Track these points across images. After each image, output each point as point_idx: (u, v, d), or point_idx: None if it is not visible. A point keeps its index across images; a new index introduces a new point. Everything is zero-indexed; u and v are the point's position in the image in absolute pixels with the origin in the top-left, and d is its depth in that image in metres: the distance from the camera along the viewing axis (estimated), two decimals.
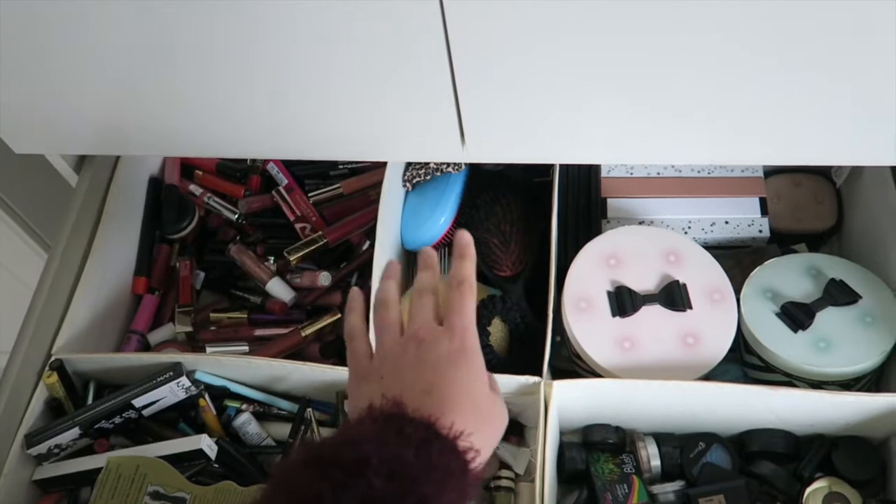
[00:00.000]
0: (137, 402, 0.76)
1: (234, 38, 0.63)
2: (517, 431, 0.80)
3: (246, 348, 0.88)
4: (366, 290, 0.90)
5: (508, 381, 0.74)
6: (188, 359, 0.78)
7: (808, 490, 0.72)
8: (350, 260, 0.93)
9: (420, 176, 0.90)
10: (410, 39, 0.61)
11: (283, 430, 0.80)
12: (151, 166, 0.97)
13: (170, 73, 0.67)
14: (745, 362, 0.79)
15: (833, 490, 0.72)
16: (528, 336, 0.79)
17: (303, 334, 0.87)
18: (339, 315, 0.88)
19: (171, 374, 0.76)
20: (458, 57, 0.62)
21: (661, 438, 0.77)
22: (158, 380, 0.76)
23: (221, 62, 0.65)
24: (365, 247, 0.93)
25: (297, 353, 0.88)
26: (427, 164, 0.90)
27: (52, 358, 0.78)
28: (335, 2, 0.59)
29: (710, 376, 0.74)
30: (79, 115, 0.73)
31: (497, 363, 0.76)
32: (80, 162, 0.89)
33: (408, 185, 0.91)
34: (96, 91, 0.70)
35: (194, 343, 0.90)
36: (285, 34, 0.62)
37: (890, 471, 0.73)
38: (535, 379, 0.73)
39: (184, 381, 0.76)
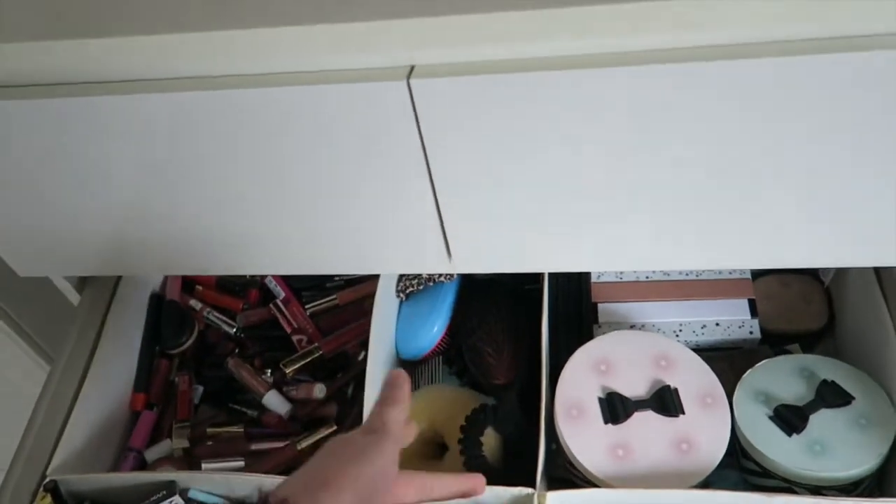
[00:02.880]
0: None
1: (233, 169, 0.67)
2: None
3: (241, 464, 0.88)
4: (360, 401, 0.91)
5: (502, 493, 0.73)
6: (183, 477, 0.78)
7: None
8: (346, 370, 0.94)
9: (413, 286, 0.92)
10: (395, 169, 0.65)
11: None
12: (153, 282, 1.00)
13: (170, 200, 0.71)
14: (742, 467, 0.78)
15: None
16: (522, 445, 0.79)
17: (298, 448, 0.87)
18: (336, 427, 0.88)
19: (165, 493, 0.76)
20: (440, 182, 0.65)
21: None
22: (152, 499, 0.75)
23: (220, 189, 0.69)
24: (361, 357, 0.94)
25: (293, 466, 0.87)
26: (419, 274, 0.92)
27: (47, 479, 0.78)
28: (327, 142, 0.62)
29: (708, 482, 0.73)
30: (80, 238, 0.76)
31: (492, 474, 0.75)
32: (83, 281, 0.92)
33: (401, 295, 0.93)
34: (98, 216, 0.74)
35: (191, 459, 0.90)
36: (280, 169, 0.66)
37: None
38: (529, 490, 0.72)
39: (177, 500, 0.76)
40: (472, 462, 0.75)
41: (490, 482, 0.74)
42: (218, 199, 0.70)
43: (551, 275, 0.90)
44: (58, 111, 0.63)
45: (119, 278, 0.93)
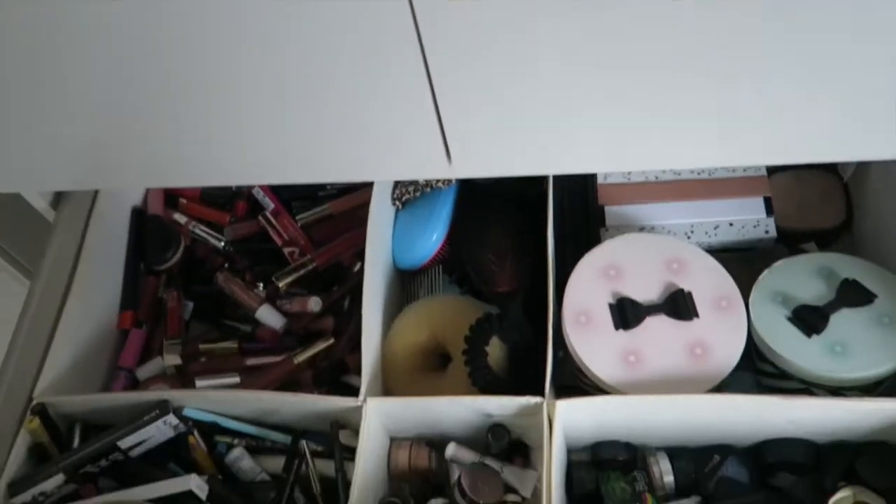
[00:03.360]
0: (123, 444, 0.73)
1: (214, 66, 0.60)
2: (522, 453, 0.76)
3: (237, 379, 0.85)
4: (357, 314, 0.87)
5: (509, 403, 0.70)
6: (175, 395, 0.75)
7: (832, 501, 0.68)
8: (341, 283, 0.90)
9: (409, 193, 0.87)
10: (386, 56, 0.59)
11: (277, 463, 0.77)
12: (133, 197, 0.95)
13: (148, 104, 0.65)
14: (758, 370, 0.75)
15: (858, 500, 0.68)
16: (527, 354, 0.76)
17: (295, 362, 0.84)
18: (332, 340, 0.85)
19: (158, 412, 0.73)
20: (436, 73, 0.59)
21: (674, 453, 0.73)
22: (144, 419, 0.72)
23: (200, 90, 0.63)
24: (356, 268, 0.90)
25: (290, 381, 0.84)
26: (416, 181, 0.87)
27: (34, 402, 0.75)
28: (313, 27, 0.56)
29: (722, 386, 0.71)
30: (52, 149, 0.71)
31: (496, 384, 0.73)
32: (58, 198, 0.87)
33: (398, 203, 0.88)
34: (70, 124, 0.68)
35: (184, 377, 0.87)
36: (266, 61, 0.60)
37: None
38: (537, 399, 0.69)
39: (171, 418, 0.73)
40: (477, 373, 0.72)
41: (496, 392, 0.71)
42: (199, 102, 0.64)
43: (556, 178, 0.85)
44: (20, 12, 0.56)
45: (96, 193, 0.87)
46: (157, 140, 0.69)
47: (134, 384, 0.86)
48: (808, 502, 0.69)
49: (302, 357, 0.84)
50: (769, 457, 0.71)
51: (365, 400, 0.72)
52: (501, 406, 0.71)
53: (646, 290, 0.74)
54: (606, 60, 0.57)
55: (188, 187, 0.96)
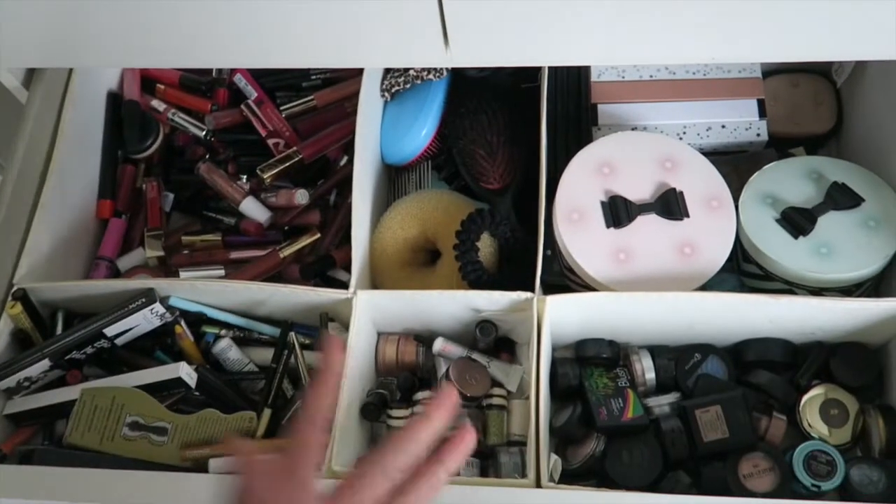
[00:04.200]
0: (109, 331, 0.72)
1: None
2: (508, 348, 0.77)
3: (222, 272, 0.84)
4: (345, 208, 0.86)
5: (500, 298, 0.70)
6: (161, 284, 0.74)
7: (805, 398, 0.71)
8: (327, 176, 0.88)
9: (399, 84, 0.84)
10: None
11: (265, 354, 0.77)
12: (109, 80, 0.90)
13: None
14: (742, 271, 0.76)
15: (830, 397, 0.71)
16: (518, 251, 0.76)
17: (281, 256, 0.83)
18: (319, 235, 0.84)
19: (144, 300, 0.72)
20: None
21: (656, 351, 0.75)
22: (130, 307, 0.72)
23: None
24: (343, 162, 0.88)
25: (275, 275, 0.84)
26: (406, 70, 0.84)
27: (15, 287, 0.73)
28: None
29: (706, 286, 0.72)
30: (21, 20, 0.67)
31: (487, 280, 0.73)
32: (30, 76, 0.83)
33: (386, 94, 0.85)
34: None
35: (167, 268, 0.86)
36: None
37: (887, 376, 0.72)
38: (528, 295, 0.70)
39: (157, 307, 0.72)
40: (468, 268, 0.72)
41: (486, 287, 0.71)
42: None
43: (550, 75, 0.83)
44: None
45: (70, 73, 0.83)
46: (130, 13, 0.65)
47: (115, 274, 0.85)
48: (782, 398, 0.72)
49: (288, 251, 0.83)
50: (748, 355, 0.73)
51: (355, 292, 0.71)
52: (491, 301, 0.71)
53: (638, 189, 0.74)
54: None
55: (165, 70, 0.92)
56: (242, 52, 0.69)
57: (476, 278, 0.73)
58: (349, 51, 0.68)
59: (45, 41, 0.69)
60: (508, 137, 0.81)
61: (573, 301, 0.69)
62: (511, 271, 0.75)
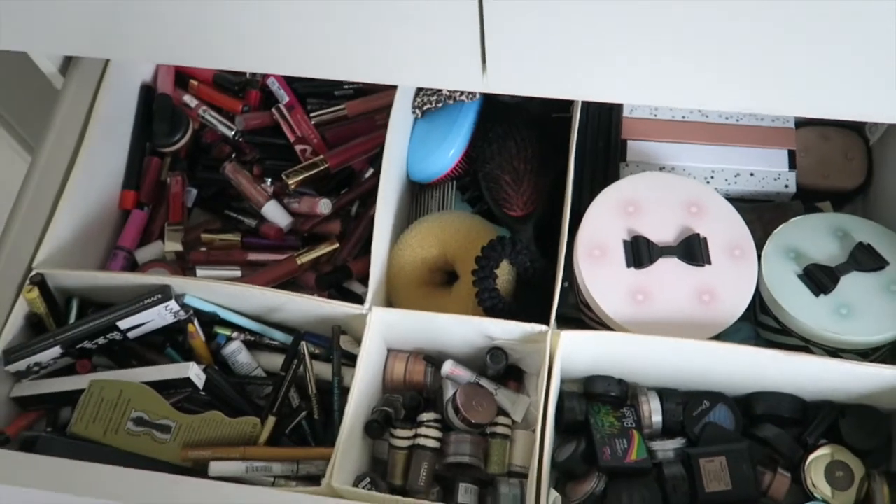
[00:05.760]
0: (123, 324, 0.72)
1: None
2: (516, 377, 0.77)
3: (238, 273, 0.84)
4: (366, 220, 0.86)
5: (514, 328, 0.70)
6: (177, 282, 0.74)
7: (811, 457, 0.70)
8: (351, 187, 0.88)
9: (431, 103, 0.85)
10: None
11: (273, 360, 0.77)
12: (143, 73, 0.91)
13: None
14: (758, 322, 0.76)
15: (836, 458, 0.70)
16: (535, 281, 0.76)
17: (298, 262, 0.83)
18: (338, 245, 0.84)
19: (160, 296, 0.72)
20: None
21: (665, 394, 0.75)
22: (146, 302, 0.72)
23: None
24: (368, 174, 0.88)
25: (290, 281, 0.84)
26: (439, 90, 0.84)
27: (34, 272, 0.73)
28: None
29: (720, 334, 0.71)
30: (67, 8, 0.67)
31: (503, 308, 0.73)
32: (67, 64, 0.83)
33: (417, 111, 0.86)
34: None
35: (183, 263, 0.86)
36: None
37: None
38: (543, 328, 0.70)
39: (172, 304, 0.72)
40: (485, 294, 0.72)
41: (501, 316, 0.71)
42: None
43: (583, 106, 0.83)
44: None
45: (107, 64, 0.84)
46: (176, 11, 0.65)
47: (132, 265, 0.85)
48: (788, 455, 0.71)
49: (306, 258, 0.83)
50: (757, 407, 0.73)
51: (370, 309, 0.71)
52: (505, 330, 0.71)
53: (662, 231, 0.73)
54: None
55: (201, 68, 0.92)
56: (281, 60, 0.69)
57: (492, 306, 0.72)
58: (386, 68, 0.68)
59: (88, 30, 0.70)
60: (535, 166, 0.81)
61: (588, 338, 0.69)
62: (526, 300, 0.75)
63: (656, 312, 0.70)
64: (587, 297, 0.72)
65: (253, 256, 0.86)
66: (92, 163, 0.80)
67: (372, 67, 0.68)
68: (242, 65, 0.77)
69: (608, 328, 0.72)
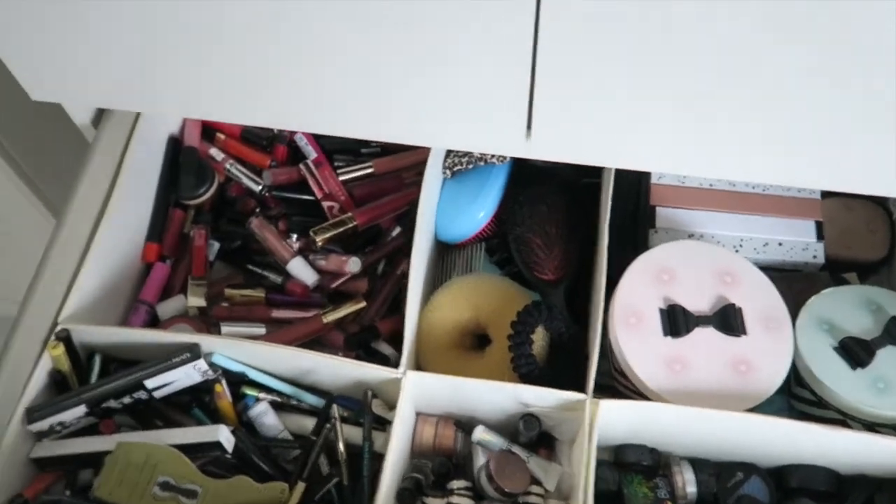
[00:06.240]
0: (149, 383, 0.71)
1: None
2: (547, 444, 0.76)
3: (263, 330, 0.83)
4: (393, 279, 0.85)
5: (550, 395, 0.70)
6: (205, 340, 0.72)
7: None
8: (377, 245, 0.88)
9: (462, 164, 0.85)
10: (494, 16, 0.56)
11: (299, 422, 0.75)
12: (171, 125, 0.91)
13: (201, 23, 0.61)
14: (793, 394, 0.75)
15: None
16: (569, 346, 0.75)
17: (325, 321, 0.82)
18: (364, 303, 0.83)
19: (188, 355, 0.70)
20: (545, 47, 0.57)
21: (698, 464, 0.74)
22: (174, 360, 0.70)
23: (261, 21, 0.60)
24: (395, 233, 0.88)
25: (315, 340, 0.83)
26: (471, 151, 0.84)
27: (59, 327, 0.72)
28: None
29: (755, 406, 0.71)
30: (101, 61, 0.67)
31: (539, 375, 0.72)
32: (100, 116, 0.83)
33: (447, 172, 0.86)
34: (122, 34, 0.64)
35: (206, 319, 0.85)
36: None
37: None
38: (580, 396, 0.69)
39: (201, 364, 0.71)
40: (521, 360, 0.71)
41: (537, 382, 0.70)
42: (258, 33, 0.61)
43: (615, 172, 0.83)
44: None
45: (137, 116, 0.83)
46: (208, 67, 0.66)
47: (153, 319, 0.84)
48: None
49: (332, 317, 0.82)
50: (792, 481, 0.72)
51: (405, 373, 0.70)
52: (541, 398, 0.70)
53: (697, 300, 0.73)
54: (698, 71, 0.57)
55: (232, 123, 0.92)
56: (315, 118, 0.70)
57: (528, 372, 0.72)
58: (430, 131, 0.68)
59: (121, 83, 0.70)
60: (566, 230, 0.82)
61: (626, 407, 0.68)
62: (560, 366, 0.74)
63: (693, 382, 0.70)
64: (623, 364, 0.71)
65: (277, 313, 0.85)
66: (119, 215, 0.79)
67: (414, 130, 0.69)
68: (275, 122, 0.77)
69: (642, 396, 0.71)
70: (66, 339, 0.71)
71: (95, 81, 0.70)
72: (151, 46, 0.66)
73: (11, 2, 0.62)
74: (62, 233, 0.76)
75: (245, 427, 0.74)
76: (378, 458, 0.72)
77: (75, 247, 0.76)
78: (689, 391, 0.70)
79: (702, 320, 0.72)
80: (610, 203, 0.77)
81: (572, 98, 0.62)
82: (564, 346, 0.75)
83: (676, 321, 0.72)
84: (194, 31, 0.62)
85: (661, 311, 0.73)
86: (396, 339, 0.82)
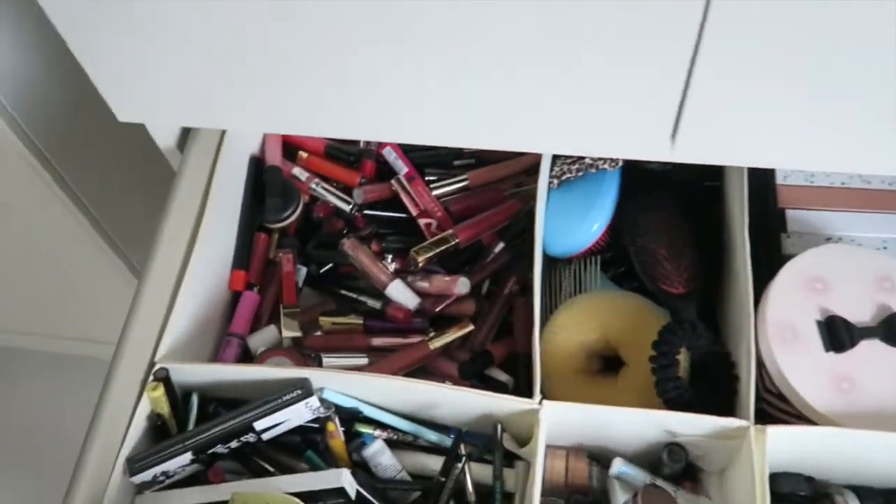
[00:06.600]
0: (259, 425, 0.64)
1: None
2: (691, 476, 0.69)
3: (365, 360, 0.77)
4: (501, 299, 0.79)
5: (703, 423, 0.63)
6: (313, 374, 0.66)
7: None
8: (480, 264, 0.81)
9: (571, 172, 0.78)
10: (656, 22, 0.50)
11: (415, 460, 0.69)
12: (251, 144, 0.85)
13: (294, 30, 0.56)
14: None
15: None
16: (713, 368, 0.68)
17: (431, 347, 0.76)
18: (472, 326, 0.77)
19: (300, 392, 0.64)
20: (707, 51, 0.51)
21: (862, 493, 0.66)
22: (285, 398, 0.64)
23: (355, 17, 0.54)
24: (498, 249, 0.81)
25: (423, 367, 0.76)
26: (581, 158, 0.78)
27: (157, 366, 0.66)
28: None
29: None
30: (186, 76, 0.63)
31: (689, 400, 0.65)
32: (184, 139, 0.77)
33: (555, 181, 0.79)
34: (207, 47, 0.59)
35: (302, 350, 0.78)
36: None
37: None
38: (741, 423, 0.62)
39: (313, 401, 0.65)
40: (668, 385, 0.64)
41: (688, 409, 0.63)
42: (365, 26, 0.56)
43: (737, 172, 0.76)
44: None
45: (222, 137, 0.78)
46: (306, 74, 0.60)
47: (245, 352, 0.78)
48: None
49: (439, 342, 0.76)
50: None
51: (541, 403, 0.63)
52: (693, 425, 0.63)
53: (856, 309, 0.66)
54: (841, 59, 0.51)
55: (310, 138, 0.87)
56: (420, 128, 0.64)
57: (677, 397, 0.65)
58: (563, 137, 0.62)
59: (207, 99, 0.65)
60: (693, 238, 0.75)
61: (797, 434, 0.61)
62: (704, 390, 0.67)
63: (865, 402, 0.63)
64: (782, 385, 0.64)
65: (377, 341, 0.78)
66: (208, 243, 0.74)
67: (544, 136, 0.63)
68: (377, 133, 0.71)
69: (802, 420, 0.64)
70: (165, 378, 0.65)
71: (181, 98, 0.65)
72: (238, 58, 0.60)
73: (102, 24, 0.58)
74: (154, 265, 0.70)
75: (358, 468, 0.68)
76: (507, 498, 0.65)
77: (168, 279, 0.70)
78: (860, 412, 0.62)
79: (866, 332, 0.65)
80: (747, 206, 0.70)
81: (726, 100, 0.56)
82: (708, 367, 0.68)
83: (838, 334, 0.64)
84: (284, 41, 0.57)
85: (819, 323, 0.65)
86: (507, 365, 0.76)
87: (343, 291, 0.82)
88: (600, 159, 0.77)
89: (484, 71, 0.57)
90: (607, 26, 0.51)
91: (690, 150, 0.61)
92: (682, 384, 0.65)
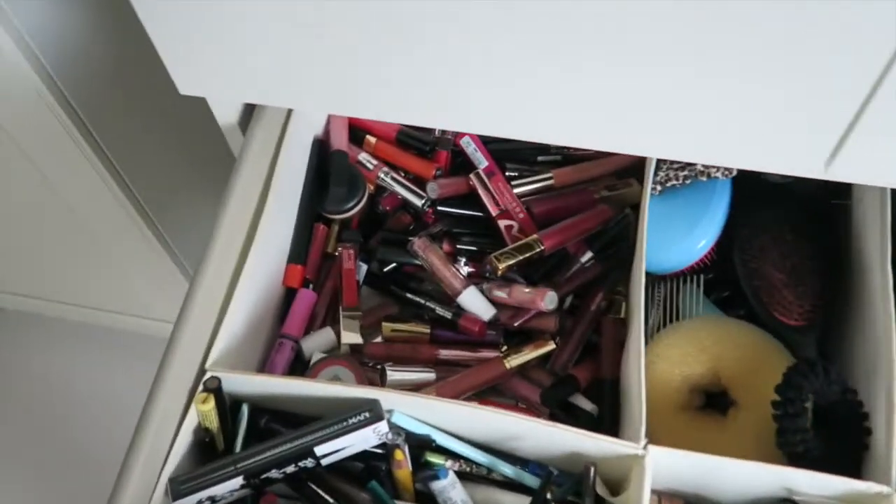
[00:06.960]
0: (320, 450, 0.56)
1: None
2: None
3: (433, 375, 0.69)
4: (588, 316, 0.70)
5: (834, 485, 0.54)
6: (386, 396, 0.58)
7: None
8: (565, 275, 0.72)
9: (678, 178, 0.69)
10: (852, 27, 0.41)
11: (488, 496, 0.61)
12: (315, 125, 0.77)
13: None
14: None
15: None
16: (842, 417, 0.59)
17: (508, 366, 0.67)
18: (553, 345, 0.69)
19: (368, 415, 0.56)
20: None
21: None
22: (352, 422, 0.56)
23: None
24: (585, 259, 0.72)
25: (496, 387, 0.68)
26: (691, 163, 0.69)
27: (208, 375, 0.58)
28: None
29: None
30: (254, 48, 0.54)
31: (818, 456, 0.56)
32: (247, 119, 0.69)
33: (656, 187, 0.70)
34: (276, 19, 0.51)
35: (359, 358, 0.70)
36: None
37: None
38: (882, 489, 0.53)
39: (382, 426, 0.57)
40: (795, 437, 0.55)
41: (818, 468, 0.55)
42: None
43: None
44: None
45: (288, 117, 0.70)
46: (388, 56, 0.52)
47: (298, 356, 0.70)
48: None
49: (516, 361, 0.68)
50: None
51: (646, 447, 0.55)
52: (821, 486, 0.54)
53: None
54: None
55: (382, 123, 0.78)
56: (513, 120, 0.56)
57: (804, 451, 0.56)
58: (702, 144, 0.53)
59: (274, 74, 0.57)
60: (818, 263, 0.66)
61: None
62: (831, 444, 0.58)
63: None
64: None
65: (446, 353, 0.70)
66: (268, 235, 0.66)
67: (673, 138, 0.54)
68: (462, 124, 0.62)
69: None
70: (216, 389, 0.57)
71: (249, 72, 0.57)
72: (315, 30, 0.52)
73: None
74: (213, 256, 0.62)
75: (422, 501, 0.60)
76: None
77: (222, 277, 0.62)
78: None
79: None
80: (890, 231, 0.61)
81: None
82: (836, 417, 0.59)
83: None
84: (365, 14, 0.49)
85: None
86: (589, 390, 0.68)
87: (410, 296, 0.74)
88: (713, 166, 0.68)
89: (612, 62, 0.49)
90: (799, 33, 0.43)
91: (846, 170, 0.52)
92: (810, 437, 0.56)
